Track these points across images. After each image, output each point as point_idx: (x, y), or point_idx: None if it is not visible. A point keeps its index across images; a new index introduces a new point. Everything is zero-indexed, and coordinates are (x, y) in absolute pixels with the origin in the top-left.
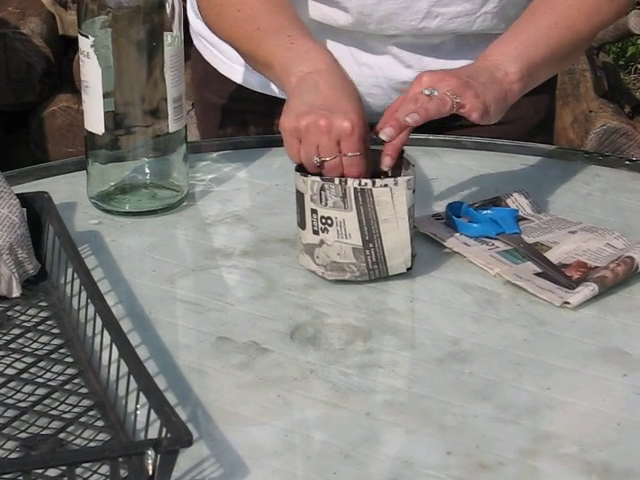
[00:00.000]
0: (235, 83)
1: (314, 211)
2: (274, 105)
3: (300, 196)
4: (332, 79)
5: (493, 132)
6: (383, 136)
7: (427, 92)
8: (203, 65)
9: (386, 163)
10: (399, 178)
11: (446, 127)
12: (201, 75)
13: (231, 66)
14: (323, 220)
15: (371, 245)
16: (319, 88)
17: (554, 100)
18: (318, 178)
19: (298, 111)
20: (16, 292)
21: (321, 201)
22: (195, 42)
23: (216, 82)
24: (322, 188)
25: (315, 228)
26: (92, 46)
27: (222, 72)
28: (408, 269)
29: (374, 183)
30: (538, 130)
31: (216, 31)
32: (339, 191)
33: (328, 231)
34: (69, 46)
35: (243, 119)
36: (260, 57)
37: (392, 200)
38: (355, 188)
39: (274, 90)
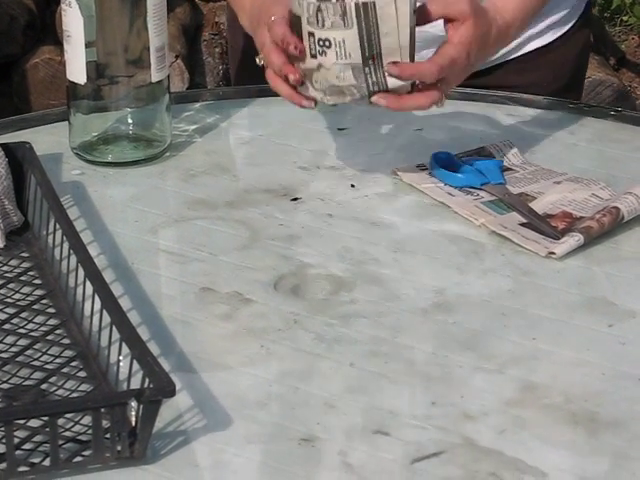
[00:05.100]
0: None
1: (311, 34)
2: None
3: (297, 20)
4: None
5: None
6: (393, 70)
7: None
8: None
9: None
10: None
11: None
12: (232, 16)
13: None
14: (321, 42)
15: (371, 62)
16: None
17: (584, 64)
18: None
19: None
20: (0, 243)
21: (318, 23)
22: None
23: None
24: (318, 9)
25: (313, 52)
26: None
27: None
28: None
29: None
30: (559, 96)
31: None
32: (338, 9)
33: (326, 54)
34: None
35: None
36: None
37: (396, 12)
38: (356, 3)
39: None
